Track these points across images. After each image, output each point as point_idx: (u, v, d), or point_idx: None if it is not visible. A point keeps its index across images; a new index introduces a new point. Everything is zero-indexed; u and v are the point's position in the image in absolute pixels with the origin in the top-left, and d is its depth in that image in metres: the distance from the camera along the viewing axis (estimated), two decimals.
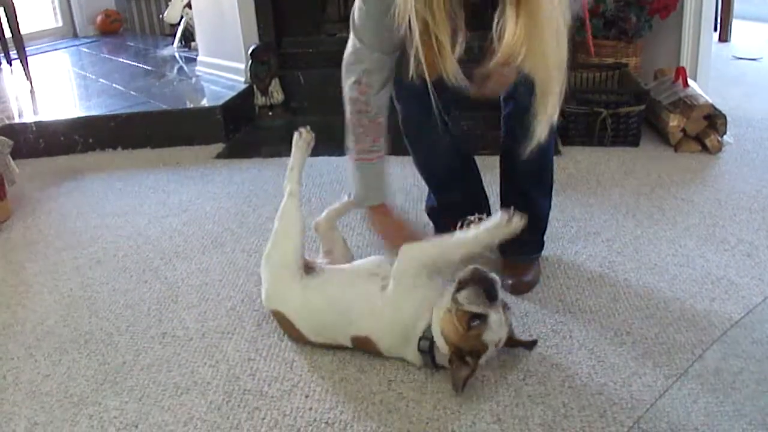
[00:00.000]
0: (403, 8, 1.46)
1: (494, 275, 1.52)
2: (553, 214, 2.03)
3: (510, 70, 1.57)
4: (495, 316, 1.48)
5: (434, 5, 1.43)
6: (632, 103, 2.92)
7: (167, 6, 4.98)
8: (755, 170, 2.68)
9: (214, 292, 2.04)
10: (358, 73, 1.70)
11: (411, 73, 1.54)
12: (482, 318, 1.46)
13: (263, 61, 3.55)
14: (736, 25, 4.96)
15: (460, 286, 1.51)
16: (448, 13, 1.46)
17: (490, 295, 1.48)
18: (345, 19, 3.68)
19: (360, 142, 1.75)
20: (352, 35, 1.70)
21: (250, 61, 3.56)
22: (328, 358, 1.70)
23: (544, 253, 2.08)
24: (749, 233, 2.20)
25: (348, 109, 1.75)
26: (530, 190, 1.95)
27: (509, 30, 1.43)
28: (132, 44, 5.21)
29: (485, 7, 1.48)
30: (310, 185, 2.71)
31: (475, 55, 1.54)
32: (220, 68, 3.89)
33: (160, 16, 5.24)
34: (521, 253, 1.99)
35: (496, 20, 1.44)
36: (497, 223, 1.52)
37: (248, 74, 3.60)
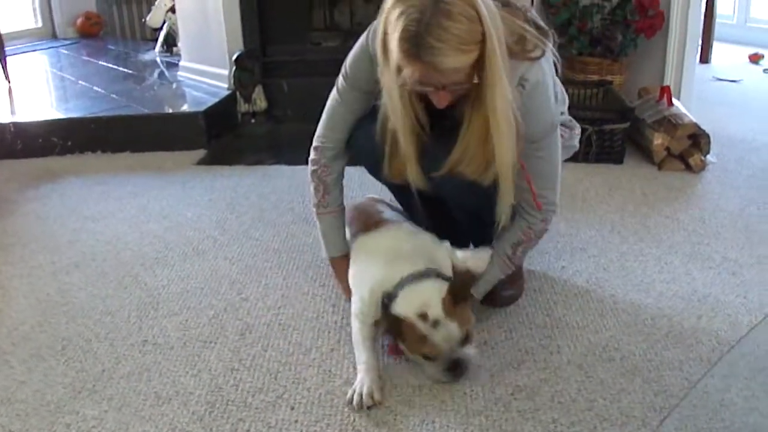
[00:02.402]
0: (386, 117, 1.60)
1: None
2: None
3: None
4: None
5: (403, 115, 1.54)
6: (617, 121, 2.93)
7: (149, 10, 4.93)
8: (738, 189, 2.71)
9: (196, 300, 2.00)
10: (316, 162, 1.84)
11: (384, 173, 1.70)
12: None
13: (247, 68, 3.52)
14: (717, 48, 5.03)
15: None
16: (413, 127, 1.57)
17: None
18: (330, 28, 3.75)
19: (315, 195, 1.86)
20: (321, 125, 1.82)
21: (233, 68, 3.53)
22: (313, 369, 1.67)
23: (530, 267, 2.07)
24: (734, 251, 2.21)
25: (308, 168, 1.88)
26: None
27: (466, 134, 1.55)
28: (113, 47, 5.14)
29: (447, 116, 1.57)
30: (295, 195, 2.68)
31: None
32: (202, 74, 3.85)
33: (143, 20, 5.17)
34: None
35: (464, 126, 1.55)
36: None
37: (231, 81, 3.57)
